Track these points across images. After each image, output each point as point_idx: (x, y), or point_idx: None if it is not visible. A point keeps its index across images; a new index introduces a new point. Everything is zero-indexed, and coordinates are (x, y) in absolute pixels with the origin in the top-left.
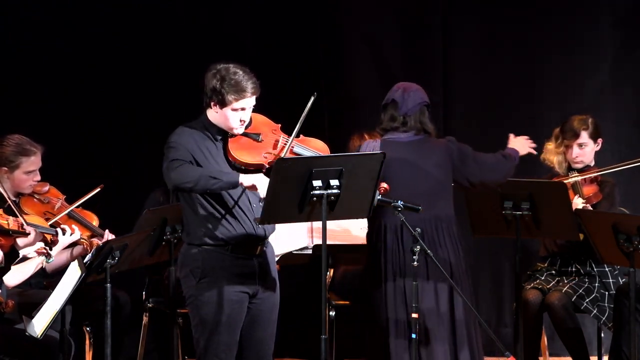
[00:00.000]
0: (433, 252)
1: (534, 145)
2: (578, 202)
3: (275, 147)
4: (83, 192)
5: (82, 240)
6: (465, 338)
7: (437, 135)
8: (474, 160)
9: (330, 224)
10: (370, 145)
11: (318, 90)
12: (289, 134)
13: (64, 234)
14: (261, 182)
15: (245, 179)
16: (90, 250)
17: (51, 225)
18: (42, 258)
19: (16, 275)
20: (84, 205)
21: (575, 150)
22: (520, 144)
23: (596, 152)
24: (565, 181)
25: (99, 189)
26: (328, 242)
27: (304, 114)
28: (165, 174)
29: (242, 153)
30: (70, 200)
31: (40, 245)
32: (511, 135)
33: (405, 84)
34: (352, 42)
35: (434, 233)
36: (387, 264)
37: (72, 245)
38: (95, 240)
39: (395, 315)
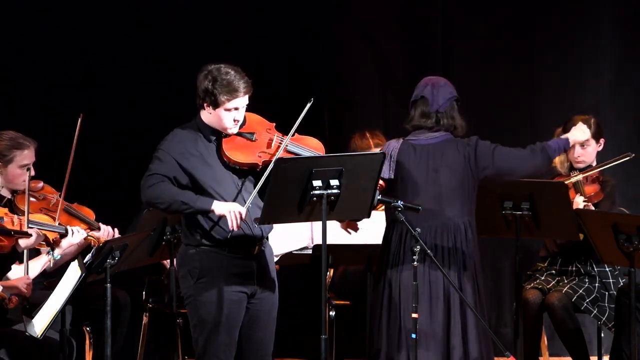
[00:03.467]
0: (450, 257)
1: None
2: (579, 202)
3: (269, 146)
4: (82, 191)
5: (89, 238)
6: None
7: (464, 133)
8: (497, 155)
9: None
10: (392, 145)
11: (318, 90)
12: (285, 133)
13: (72, 234)
14: (234, 210)
15: (217, 207)
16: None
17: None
18: (49, 257)
19: (20, 273)
20: (81, 201)
21: (578, 150)
22: (578, 131)
23: (598, 153)
24: (567, 181)
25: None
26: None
27: (300, 118)
28: (141, 187)
29: (236, 153)
30: (68, 199)
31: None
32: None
33: (433, 78)
34: (352, 41)
35: (436, 242)
36: (389, 265)
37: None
38: (102, 237)
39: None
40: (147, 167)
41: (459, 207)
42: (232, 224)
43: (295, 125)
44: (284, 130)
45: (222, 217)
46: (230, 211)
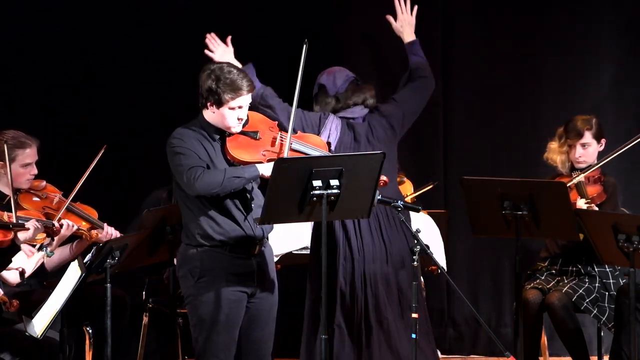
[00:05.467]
0: (389, 237)
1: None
2: (581, 204)
3: (273, 144)
4: (83, 191)
5: (80, 231)
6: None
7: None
8: (398, 104)
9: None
10: (335, 122)
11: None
12: (287, 131)
13: (66, 227)
14: None
15: (265, 170)
16: (90, 241)
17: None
18: (42, 253)
19: (16, 273)
20: (83, 200)
21: (579, 150)
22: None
23: (599, 152)
24: (569, 183)
25: (102, 150)
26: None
27: (300, 70)
28: (187, 186)
29: (240, 152)
30: (69, 191)
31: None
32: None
33: (328, 69)
34: (352, 41)
35: (390, 217)
36: (346, 260)
37: (72, 239)
38: (95, 232)
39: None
40: (174, 167)
41: (394, 180)
42: None
43: (299, 76)
44: (286, 130)
45: (225, 216)
46: None
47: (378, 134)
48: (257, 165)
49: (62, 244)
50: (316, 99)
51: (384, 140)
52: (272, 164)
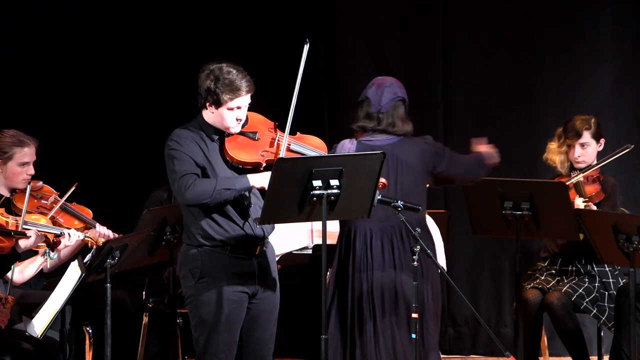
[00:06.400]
0: (402, 258)
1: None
2: (579, 203)
3: (272, 145)
4: (83, 191)
5: (87, 238)
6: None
7: (416, 134)
8: (450, 159)
9: (330, 224)
10: (347, 146)
11: (317, 90)
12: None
13: (69, 237)
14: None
15: (256, 181)
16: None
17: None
18: (46, 256)
19: (17, 276)
20: (80, 201)
21: (578, 150)
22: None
23: (598, 152)
24: (568, 182)
25: (74, 188)
26: (328, 242)
27: (301, 70)
28: (177, 193)
29: (239, 152)
30: (67, 199)
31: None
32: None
33: (380, 79)
34: (352, 41)
35: (403, 238)
36: (355, 270)
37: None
38: (101, 239)
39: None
40: (168, 170)
41: (420, 204)
42: None
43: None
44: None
45: (226, 217)
46: (267, 182)
47: (409, 158)
48: (248, 176)
49: None
50: (358, 107)
51: (412, 166)
52: (264, 174)
